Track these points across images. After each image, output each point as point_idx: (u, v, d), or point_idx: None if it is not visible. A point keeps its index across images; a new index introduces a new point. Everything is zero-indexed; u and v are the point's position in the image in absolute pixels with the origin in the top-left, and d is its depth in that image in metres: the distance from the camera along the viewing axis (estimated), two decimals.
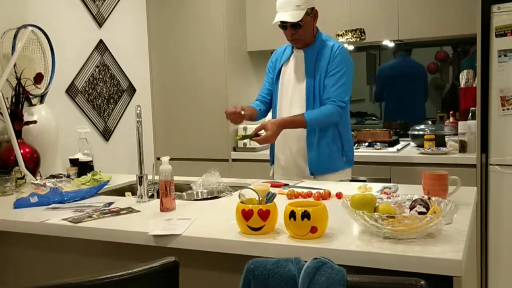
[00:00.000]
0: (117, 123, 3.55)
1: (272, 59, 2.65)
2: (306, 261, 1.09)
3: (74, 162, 2.51)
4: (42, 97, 2.74)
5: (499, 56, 2.72)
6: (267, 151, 2.74)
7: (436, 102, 3.88)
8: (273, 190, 1.84)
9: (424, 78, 3.87)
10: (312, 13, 2.42)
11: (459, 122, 3.04)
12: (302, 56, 2.48)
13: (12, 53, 2.55)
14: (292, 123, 2.35)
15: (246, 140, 3.46)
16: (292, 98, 2.49)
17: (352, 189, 2.01)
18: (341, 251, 1.32)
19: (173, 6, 3.80)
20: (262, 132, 2.30)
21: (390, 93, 4.03)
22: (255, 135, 2.30)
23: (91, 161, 2.53)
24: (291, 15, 2.34)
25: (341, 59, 2.40)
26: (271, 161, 2.65)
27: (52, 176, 2.42)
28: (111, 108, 3.50)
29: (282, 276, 1.08)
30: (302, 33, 2.40)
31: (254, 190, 1.55)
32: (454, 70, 3.76)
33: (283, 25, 2.40)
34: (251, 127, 3.30)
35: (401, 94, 4.00)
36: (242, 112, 2.37)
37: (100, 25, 3.39)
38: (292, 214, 1.39)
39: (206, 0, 3.63)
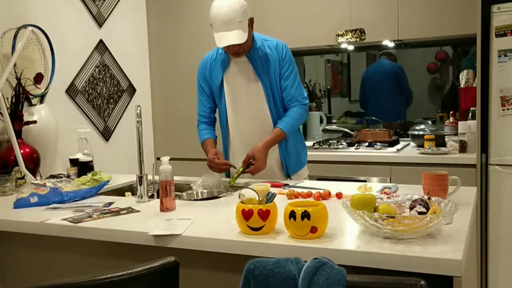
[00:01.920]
0: (117, 123, 3.55)
1: (204, 74, 2.46)
2: (306, 261, 1.09)
3: (74, 162, 2.51)
4: (42, 97, 2.74)
5: (499, 56, 2.72)
6: None
7: (436, 102, 3.88)
8: (273, 190, 1.84)
9: (399, 78, 3.88)
10: (250, 23, 2.26)
11: (459, 122, 3.04)
12: (245, 61, 2.36)
13: (12, 53, 2.55)
14: (274, 141, 2.34)
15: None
16: (249, 107, 2.40)
17: (352, 189, 2.01)
18: (341, 251, 1.32)
19: (173, 5, 3.80)
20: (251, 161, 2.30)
21: (370, 96, 4.08)
22: (246, 167, 2.30)
23: (91, 161, 2.53)
24: (238, 37, 2.17)
25: (290, 58, 2.40)
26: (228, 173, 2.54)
27: (52, 176, 2.42)
28: (111, 108, 3.50)
29: (282, 276, 1.07)
30: (246, 46, 2.28)
31: (254, 190, 1.55)
32: (454, 70, 3.76)
33: None
34: None
35: (377, 95, 4.05)
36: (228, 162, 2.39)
37: (100, 25, 3.39)
38: (292, 214, 1.39)
39: None
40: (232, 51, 2.28)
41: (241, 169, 2.32)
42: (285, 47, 2.40)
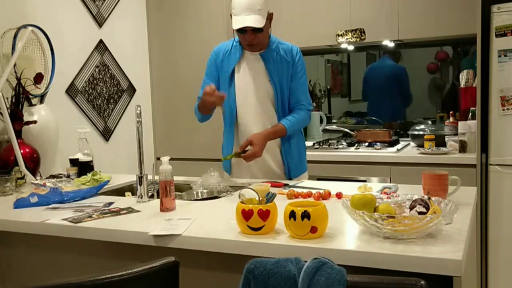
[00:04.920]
0: (117, 123, 3.55)
1: (217, 60, 2.44)
2: (306, 261, 1.09)
3: (74, 162, 2.51)
4: (42, 97, 2.74)
5: (499, 56, 2.72)
6: None
7: (436, 102, 3.88)
8: (273, 190, 1.84)
9: (400, 80, 3.89)
10: (269, 18, 2.31)
11: (459, 122, 3.04)
12: (258, 59, 2.38)
13: (12, 53, 2.55)
14: (275, 133, 2.34)
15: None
16: (257, 101, 2.38)
17: (352, 189, 2.01)
18: (341, 251, 1.32)
19: (173, 5, 3.79)
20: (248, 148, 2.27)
21: (370, 93, 4.10)
22: (242, 152, 2.28)
23: (91, 161, 2.53)
24: (255, 20, 2.20)
25: (302, 63, 2.43)
26: (229, 173, 2.53)
27: (52, 176, 2.42)
28: (111, 108, 3.50)
29: (282, 276, 1.08)
30: (261, 38, 2.30)
31: (254, 190, 1.55)
32: (454, 70, 3.76)
33: (243, 29, 2.25)
34: None
35: (377, 94, 4.07)
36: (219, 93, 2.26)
37: (100, 25, 3.39)
38: (292, 214, 1.39)
39: None
40: (248, 39, 2.28)
41: (236, 152, 2.31)
42: (299, 51, 2.43)
